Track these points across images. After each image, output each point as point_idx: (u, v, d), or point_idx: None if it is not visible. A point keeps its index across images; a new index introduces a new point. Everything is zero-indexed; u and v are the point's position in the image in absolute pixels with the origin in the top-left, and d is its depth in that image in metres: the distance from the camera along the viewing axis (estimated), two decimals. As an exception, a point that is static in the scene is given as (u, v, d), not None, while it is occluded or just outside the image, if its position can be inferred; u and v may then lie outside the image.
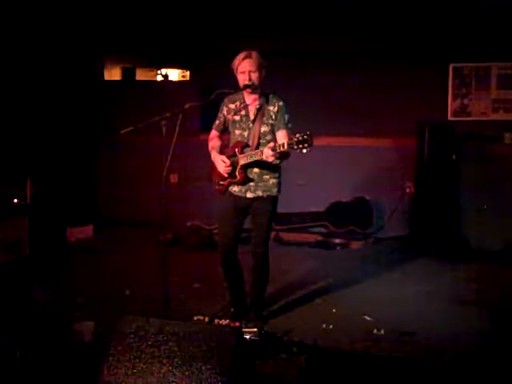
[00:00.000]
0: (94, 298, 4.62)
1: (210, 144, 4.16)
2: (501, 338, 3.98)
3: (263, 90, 4.00)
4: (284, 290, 4.96)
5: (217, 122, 4.17)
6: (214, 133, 4.19)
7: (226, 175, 4.02)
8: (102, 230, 7.00)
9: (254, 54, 3.91)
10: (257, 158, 3.85)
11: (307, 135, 3.50)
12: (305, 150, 3.50)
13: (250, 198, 4.01)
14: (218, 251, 4.17)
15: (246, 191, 4.01)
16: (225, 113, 4.10)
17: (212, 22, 7.20)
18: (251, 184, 4.00)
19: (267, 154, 3.69)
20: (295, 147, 3.52)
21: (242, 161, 3.93)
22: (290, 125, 3.97)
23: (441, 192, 6.35)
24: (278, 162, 3.90)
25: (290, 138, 3.60)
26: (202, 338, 2.86)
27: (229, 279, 4.20)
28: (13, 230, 5.65)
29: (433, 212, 6.34)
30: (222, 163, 4.00)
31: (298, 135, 3.52)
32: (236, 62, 3.91)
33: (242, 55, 3.90)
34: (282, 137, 3.91)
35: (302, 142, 3.50)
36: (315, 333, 3.98)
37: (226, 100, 4.09)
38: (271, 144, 3.73)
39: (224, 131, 4.17)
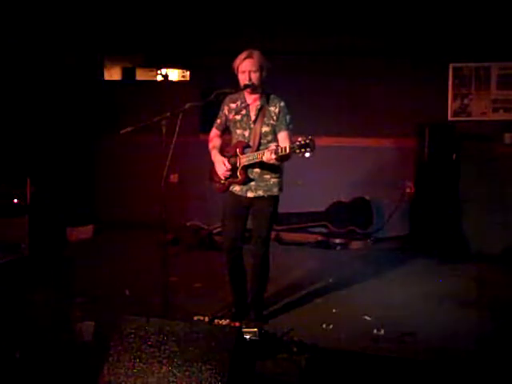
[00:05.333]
0: (93, 298, 4.62)
1: (211, 143, 4.16)
2: (501, 338, 3.98)
3: (264, 89, 4.00)
4: (284, 290, 4.96)
5: (218, 120, 4.17)
6: (214, 132, 4.19)
7: (223, 178, 4.02)
8: (101, 230, 7.00)
9: (256, 53, 3.90)
10: (257, 160, 3.85)
11: (309, 139, 3.51)
12: (307, 154, 3.52)
13: (250, 198, 4.02)
14: (222, 251, 4.18)
15: (246, 190, 4.02)
16: (226, 112, 4.10)
17: (212, 22, 7.20)
18: (252, 184, 4.00)
19: (268, 157, 3.71)
20: (297, 151, 3.54)
21: (244, 161, 3.94)
22: (291, 126, 3.98)
23: (441, 192, 6.34)
24: (278, 163, 3.90)
25: (292, 142, 3.61)
26: (201, 338, 2.86)
27: (232, 278, 4.20)
28: (13, 230, 5.65)
29: (433, 212, 6.34)
30: (222, 166, 4.00)
31: (300, 139, 3.54)
32: (237, 61, 3.91)
33: (243, 55, 3.90)
34: (283, 138, 3.91)
35: (305, 146, 3.51)
36: (315, 333, 3.98)
37: (227, 99, 4.09)
38: (272, 147, 3.74)
39: (225, 131, 4.17)
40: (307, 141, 3.51)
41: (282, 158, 3.76)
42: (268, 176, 4.00)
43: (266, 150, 3.77)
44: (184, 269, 5.35)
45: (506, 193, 6.21)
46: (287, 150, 3.60)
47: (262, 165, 3.92)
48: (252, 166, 3.96)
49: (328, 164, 6.74)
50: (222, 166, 4.01)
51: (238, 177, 4.00)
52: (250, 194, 4.02)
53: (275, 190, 4.03)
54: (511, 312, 4.49)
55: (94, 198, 7.49)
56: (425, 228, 6.38)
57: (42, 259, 5.79)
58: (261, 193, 4.01)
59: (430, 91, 6.63)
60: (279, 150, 3.65)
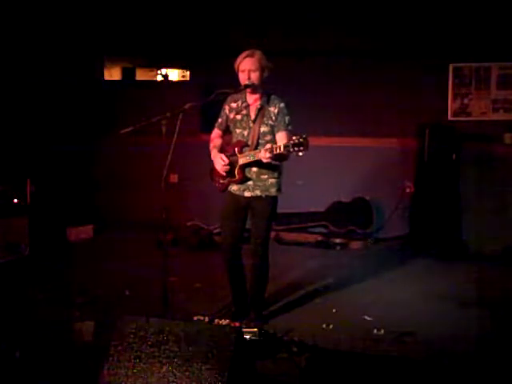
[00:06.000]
0: (93, 298, 4.62)
1: (212, 143, 4.17)
2: (501, 338, 3.98)
3: (265, 90, 4.00)
4: (284, 289, 4.96)
5: (219, 120, 4.18)
6: (216, 132, 4.20)
7: (223, 174, 4.03)
8: (101, 229, 7.00)
9: (257, 53, 3.90)
10: (254, 159, 3.86)
11: (303, 138, 3.52)
12: (301, 153, 3.54)
13: (248, 197, 4.02)
14: (221, 251, 4.18)
15: (244, 190, 4.02)
16: (227, 111, 4.11)
17: (212, 23, 7.21)
18: (249, 183, 4.01)
19: (262, 156, 3.72)
20: (291, 150, 3.55)
21: (241, 160, 3.95)
22: (290, 127, 3.98)
23: (441, 192, 6.35)
24: (276, 162, 3.90)
25: (286, 141, 3.62)
26: (202, 338, 2.86)
27: (231, 279, 4.20)
28: (13, 230, 5.66)
29: (433, 212, 6.34)
30: (220, 161, 4.01)
31: (294, 138, 3.55)
32: (238, 60, 3.92)
33: (244, 54, 3.91)
34: (281, 138, 3.92)
35: (298, 144, 3.52)
36: (315, 333, 3.97)
37: (228, 99, 4.09)
38: (268, 146, 3.75)
39: (226, 130, 4.17)
40: (301, 139, 3.52)
41: (278, 157, 3.76)
42: (266, 176, 4.00)
43: (262, 149, 3.78)
44: (184, 269, 5.35)
45: (506, 193, 6.21)
46: (281, 149, 3.61)
47: (260, 164, 3.92)
48: (250, 165, 3.96)
49: (328, 164, 6.75)
50: (219, 161, 4.02)
51: (235, 176, 4.00)
52: (247, 194, 4.02)
53: (273, 191, 4.03)
54: (511, 312, 4.49)
55: (94, 197, 7.50)
56: (425, 228, 6.38)
57: (41, 259, 5.79)
58: (258, 192, 4.01)
59: (430, 91, 6.63)
60: (274, 149, 3.67)
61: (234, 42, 6.49)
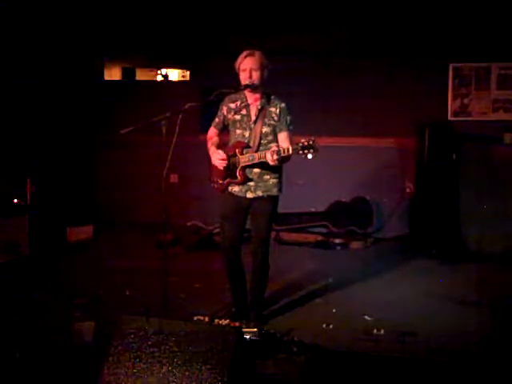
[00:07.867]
0: (93, 298, 4.62)
1: (210, 141, 4.15)
2: (501, 338, 3.98)
3: (264, 90, 4.00)
4: (284, 290, 4.96)
5: (216, 119, 4.16)
6: (212, 130, 4.18)
7: (223, 173, 4.01)
8: (102, 229, 7.00)
9: (257, 53, 3.91)
10: (258, 161, 3.85)
11: (312, 141, 3.53)
12: (310, 156, 3.54)
13: (250, 198, 4.01)
14: (221, 252, 4.18)
15: (246, 191, 4.01)
16: (224, 112, 4.09)
17: (212, 23, 7.20)
18: (251, 184, 3.99)
19: (270, 158, 3.70)
20: (300, 152, 3.55)
21: (243, 162, 3.94)
22: (291, 127, 3.98)
23: (441, 192, 6.35)
24: (279, 164, 3.89)
25: (295, 143, 3.62)
26: (202, 338, 2.86)
27: (231, 279, 4.19)
28: (13, 230, 5.66)
29: (433, 212, 6.34)
30: (217, 155, 3.98)
31: (303, 140, 3.55)
32: (239, 60, 3.92)
33: (244, 53, 3.91)
34: (283, 139, 3.92)
35: (308, 147, 3.53)
36: (315, 333, 3.98)
37: (226, 99, 4.08)
38: (274, 147, 3.74)
39: (223, 130, 4.16)
40: (310, 142, 3.53)
41: (283, 159, 3.76)
42: (268, 176, 4.00)
43: (267, 151, 3.76)
44: (184, 269, 5.35)
45: (506, 193, 6.21)
46: (290, 151, 3.61)
47: (262, 165, 3.92)
48: (251, 166, 3.95)
49: (328, 164, 6.75)
50: (217, 156, 3.98)
51: (237, 177, 3.99)
52: (249, 195, 4.01)
53: (275, 191, 4.02)
54: (511, 312, 4.49)
55: (94, 197, 7.50)
56: (425, 228, 6.39)
57: (41, 259, 5.79)
58: (260, 193, 4.00)
59: (430, 91, 6.64)
60: (281, 151, 3.66)
61: (233, 42, 6.49)
